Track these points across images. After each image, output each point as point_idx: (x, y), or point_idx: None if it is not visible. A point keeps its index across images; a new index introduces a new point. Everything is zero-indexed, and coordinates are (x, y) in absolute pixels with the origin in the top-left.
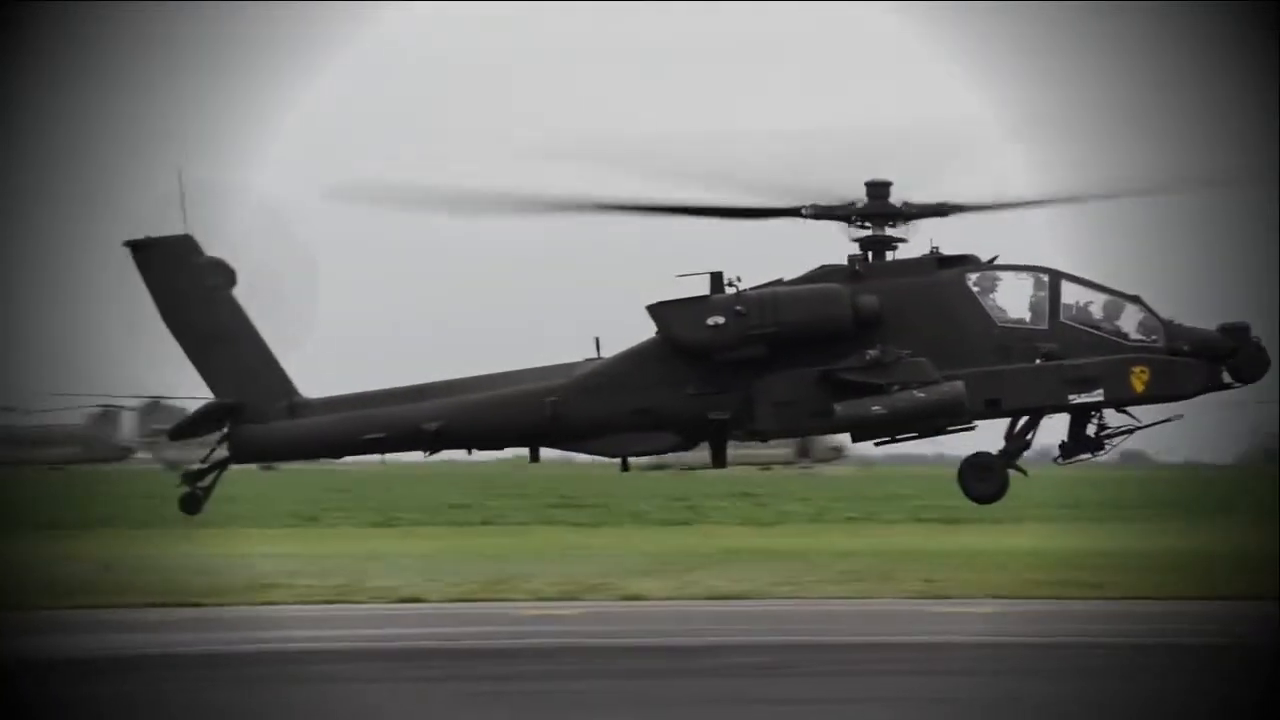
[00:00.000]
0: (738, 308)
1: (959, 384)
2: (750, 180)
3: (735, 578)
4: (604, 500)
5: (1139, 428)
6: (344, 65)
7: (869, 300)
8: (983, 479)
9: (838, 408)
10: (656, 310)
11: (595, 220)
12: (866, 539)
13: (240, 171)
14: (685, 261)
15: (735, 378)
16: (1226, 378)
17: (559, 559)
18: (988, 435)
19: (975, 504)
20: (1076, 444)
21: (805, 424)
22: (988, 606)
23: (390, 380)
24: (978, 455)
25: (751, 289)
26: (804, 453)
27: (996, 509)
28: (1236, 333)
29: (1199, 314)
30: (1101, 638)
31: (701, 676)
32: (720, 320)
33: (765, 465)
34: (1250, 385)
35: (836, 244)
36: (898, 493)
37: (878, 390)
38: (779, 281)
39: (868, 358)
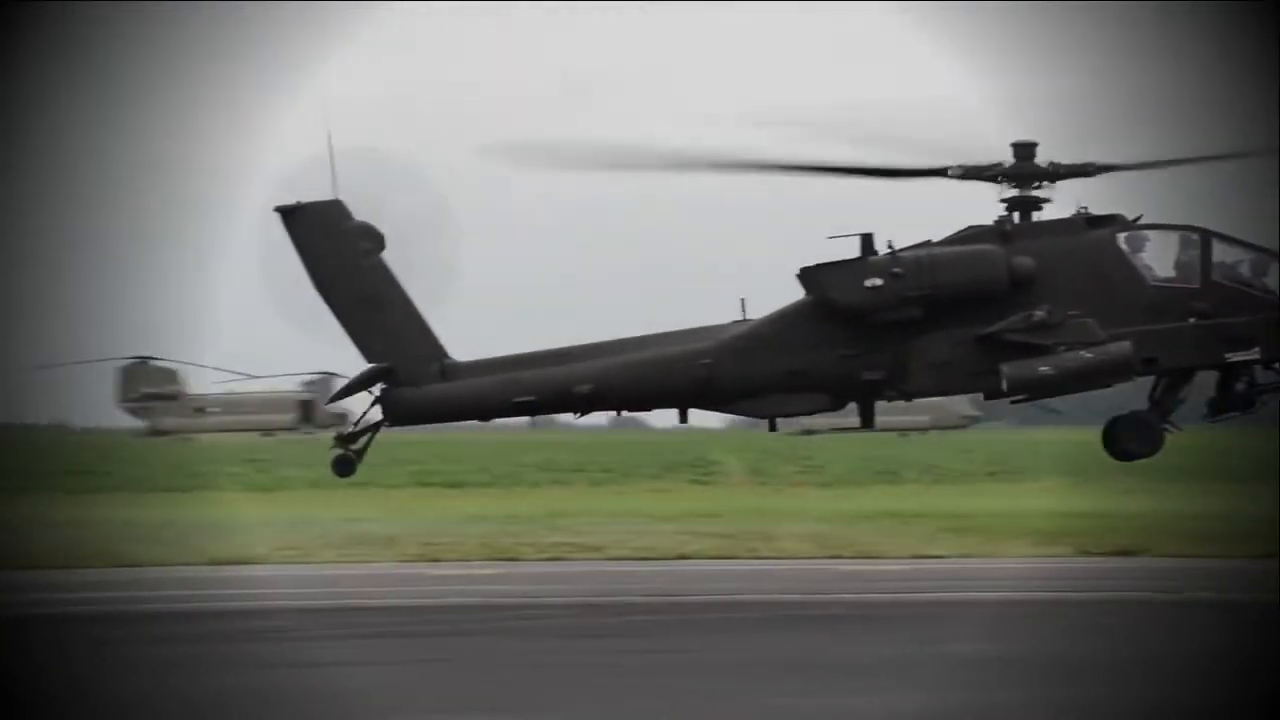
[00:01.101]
0: (895, 270)
1: (1126, 344)
2: (896, 141)
3: None
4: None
5: None
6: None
7: (1024, 261)
8: (1141, 437)
9: (1005, 368)
10: (811, 273)
11: (745, 179)
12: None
13: (382, 138)
14: (823, 224)
15: (888, 339)
16: None
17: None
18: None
19: (1128, 461)
20: (1226, 401)
21: (963, 384)
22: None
23: (530, 344)
24: (1135, 414)
25: (905, 250)
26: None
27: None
28: None
29: None
30: None
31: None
32: (878, 282)
33: (903, 432)
34: None
35: (973, 205)
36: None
37: (1044, 351)
38: (928, 243)
39: (1035, 318)
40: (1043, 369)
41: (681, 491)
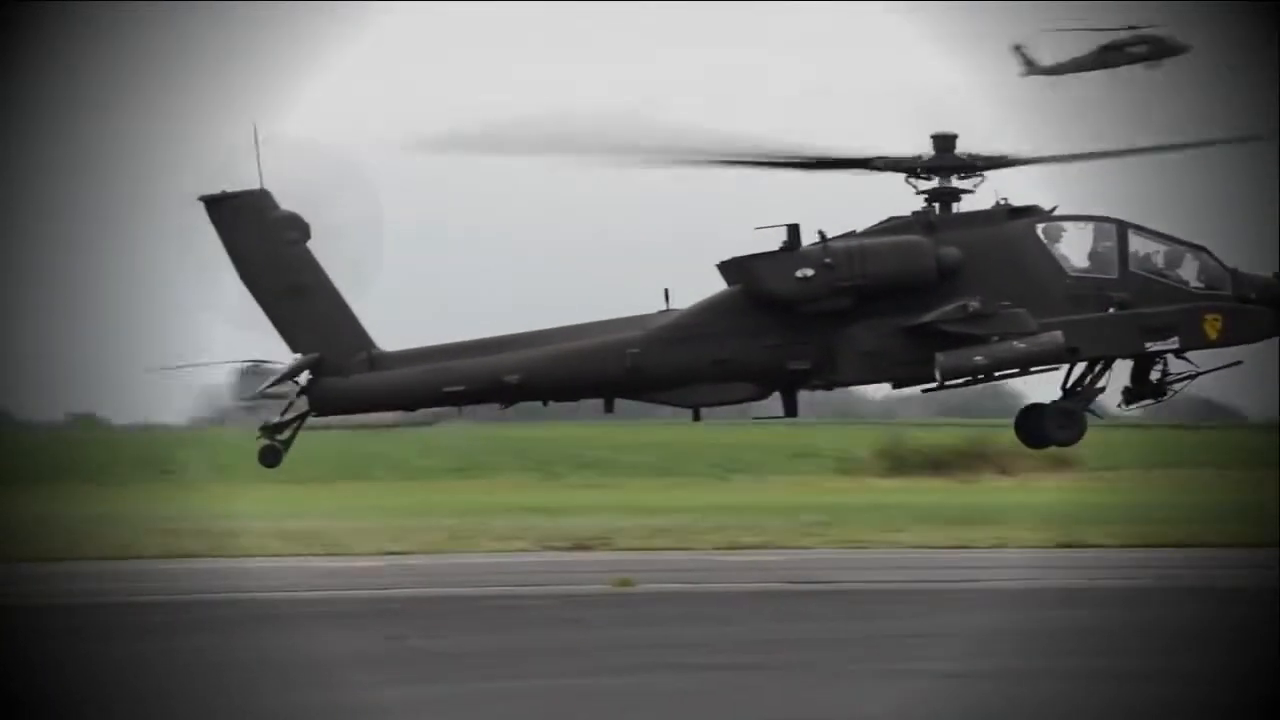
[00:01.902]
0: (826, 260)
1: (1057, 334)
2: (820, 136)
3: None
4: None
5: (1200, 374)
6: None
7: (951, 252)
8: (1065, 425)
9: (940, 357)
10: (741, 263)
11: (672, 171)
12: None
13: (306, 125)
14: (740, 216)
15: (815, 329)
16: None
17: None
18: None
19: (1043, 449)
20: (1140, 390)
21: (890, 373)
22: None
23: (454, 334)
24: (1056, 404)
25: (834, 240)
26: None
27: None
28: None
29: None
30: None
31: None
32: (810, 273)
33: None
34: None
35: (882, 196)
36: None
37: (978, 340)
38: (852, 233)
39: (970, 309)
40: (977, 358)
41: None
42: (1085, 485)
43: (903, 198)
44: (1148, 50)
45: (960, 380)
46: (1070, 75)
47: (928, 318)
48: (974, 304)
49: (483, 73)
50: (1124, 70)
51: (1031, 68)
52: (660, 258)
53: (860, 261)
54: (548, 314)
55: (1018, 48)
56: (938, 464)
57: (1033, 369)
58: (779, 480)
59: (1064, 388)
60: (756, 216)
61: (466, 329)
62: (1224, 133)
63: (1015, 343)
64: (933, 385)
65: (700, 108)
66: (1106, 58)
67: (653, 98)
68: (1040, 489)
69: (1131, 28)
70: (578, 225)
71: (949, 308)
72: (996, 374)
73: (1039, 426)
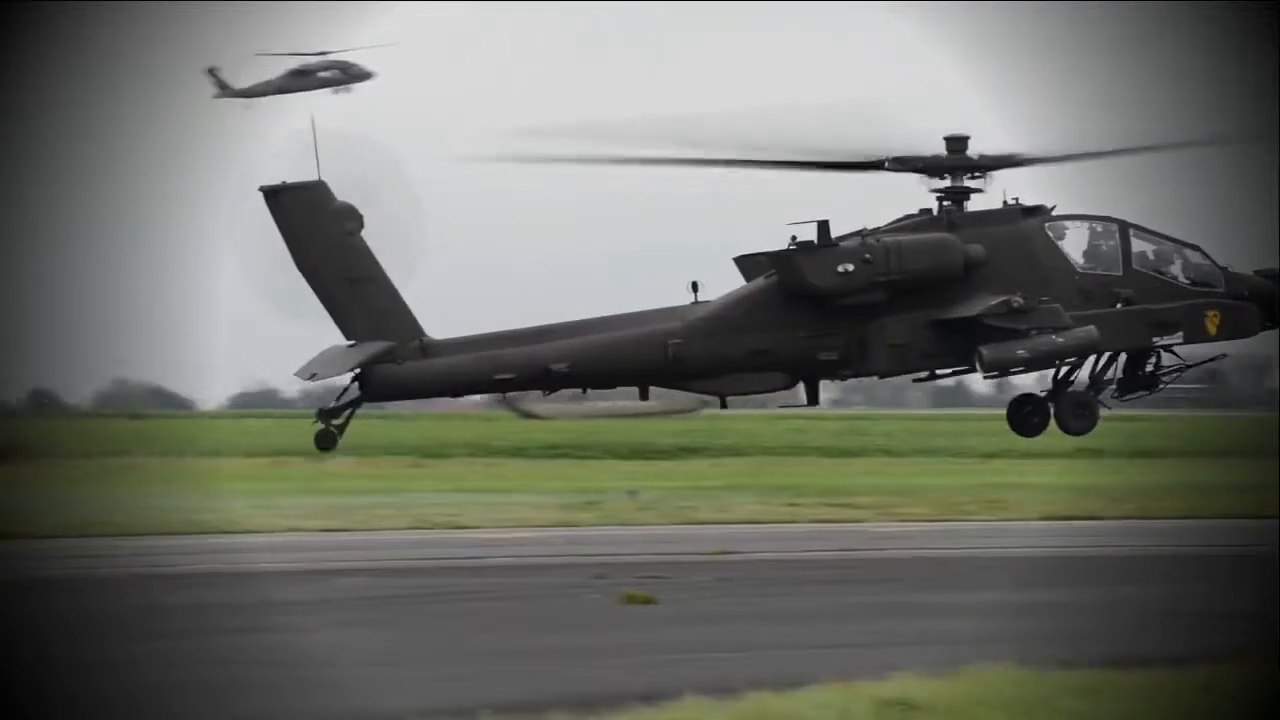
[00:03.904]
0: (865, 256)
1: (1091, 328)
2: (834, 139)
3: None
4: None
5: (1189, 367)
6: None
7: (976, 249)
8: (1081, 416)
9: (984, 351)
10: (781, 257)
11: (695, 172)
12: None
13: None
14: (753, 215)
15: (847, 321)
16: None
17: None
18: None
19: (1030, 438)
20: (1134, 383)
21: (918, 363)
22: None
23: (485, 324)
24: (1073, 393)
25: (863, 237)
26: None
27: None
28: (1275, 278)
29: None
30: None
31: None
32: (850, 267)
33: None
34: None
35: (888, 196)
36: None
37: (1018, 335)
38: (861, 231)
39: (1013, 305)
40: (1019, 351)
41: None
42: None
43: (896, 196)
44: (335, 75)
45: (1004, 373)
46: (263, 98)
47: (973, 312)
48: (1016, 299)
49: (503, 77)
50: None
51: (224, 90)
52: (660, 256)
53: (897, 257)
54: (565, 309)
55: (211, 70)
56: None
57: (1066, 362)
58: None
59: (1055, 380)
60: (755, 216)
61: (484, 322)
62: (1223, 132)
63: (1054, 336)
64: (939, 374)
65: (716, 108)
66: (296, 81)
67: (669, 99)
68: None
69: (322, 53)
70: (579, 224)
71: (993, 303)
72: (1038, 368)
73: (1034, 415)
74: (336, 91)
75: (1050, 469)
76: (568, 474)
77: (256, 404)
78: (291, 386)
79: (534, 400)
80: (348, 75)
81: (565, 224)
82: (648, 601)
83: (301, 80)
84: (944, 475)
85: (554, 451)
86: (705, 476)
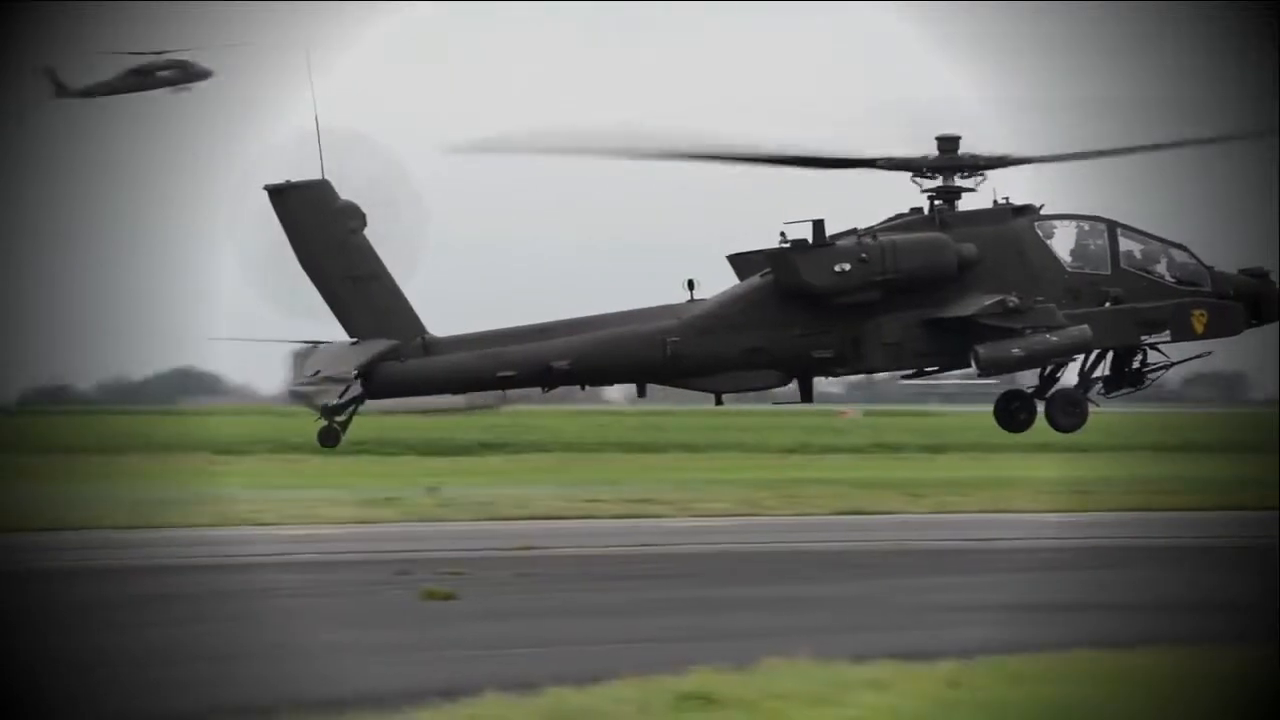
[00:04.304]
0: (861, 255)
1: (1085, 327)
2: (830, 136)
3: None
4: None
5: (1174, 364)
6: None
7: (969, 248)
8: (1070, 413)
9: (980, 350)
10: (777, 256)
11: (689, 167)
12: None
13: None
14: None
15: (842, 319)
16: None
17: None
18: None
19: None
20: (1120, 380)
21: (911, 361)
22: None
23: (476, 322)
24: (1063, 390)
25: (856, 236)
26: None
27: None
28: (1258, 277)
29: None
30: None
31: None
32: (847, 266)
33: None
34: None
35: (869, 194)
36: None
37: (1013, 334)
38: (853, 231)
39: (1009, 305)
40: (1015, 350)
41: None
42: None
43: (879, 195)
44: (174, 75)
45: (1001, 372)
46: (103, 98)
47: (968, 311)
48: (1012, 299)
49: (497, 75)
50: None
51: (61, 90)
52: (649, 253)
53: (893, 256)
54: (561, 305)
55: (47, 70)
56: None
57: (1064, 361)
58: None
59: (1041, 377)
60: (745, 213)
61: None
62: (1221, 131)
63: (1049, 336)
64: (927, 371)
65: (709, 108)
66: (135, 81)
67: (665, 99)
68: None
69: (160, 52)
70: (579, 223)
71: (989, 302)
72: (1033, 366)
73: (1020, 412)
74: (176, 90)
75: (842, 464)
76: (368, 470)
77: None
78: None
79: (333, 395)
80: (187, 75)
81: (555, 220)
82: (448, 598)
83: (140, 80)
84: (743, 470)
85: (356, 448)
86: (507, 472)
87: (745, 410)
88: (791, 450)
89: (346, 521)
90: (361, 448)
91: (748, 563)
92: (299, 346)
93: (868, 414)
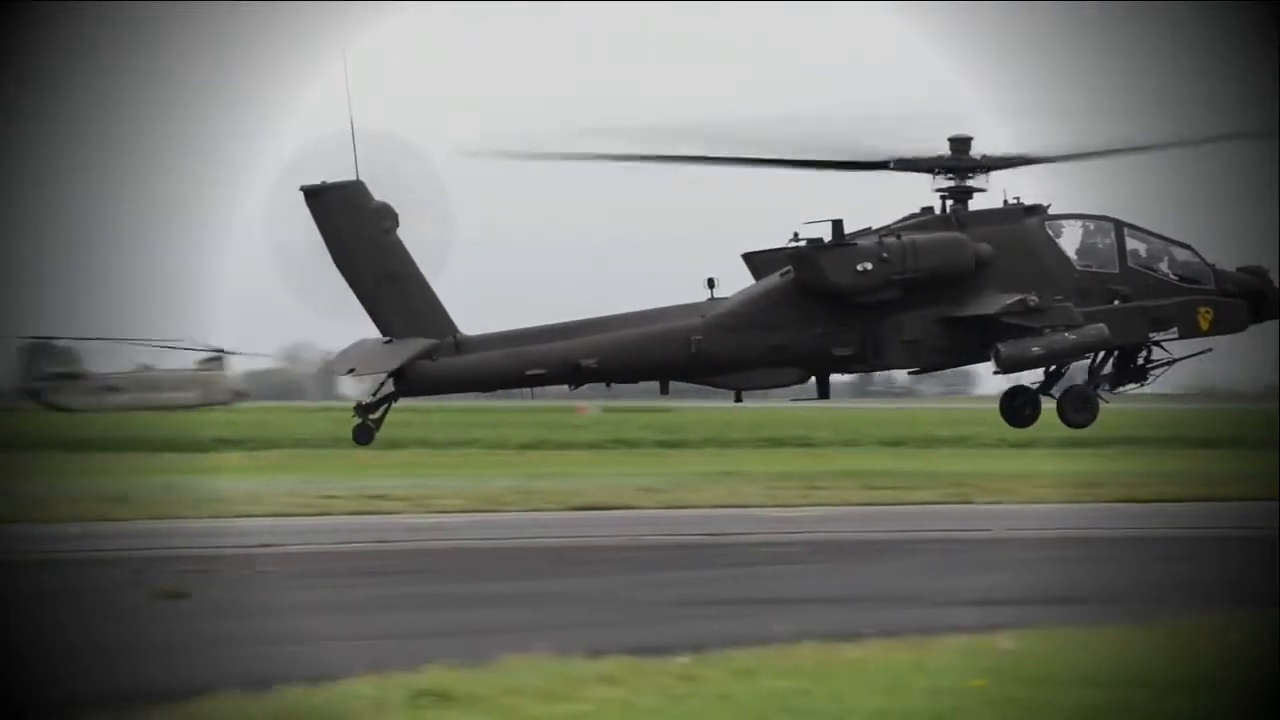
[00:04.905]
0: (883, 255)
1: (1102, 326)
2: (841, 139)
3: None
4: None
5: (1176, 360)
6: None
7: (985, 247)
8: (1081, 409)
9: (1001, 348)
10: (801, 255)
11: (705, 170)
12: None
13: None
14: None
15: (862, 317)
16: None
17: None
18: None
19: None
20: (1123, 376)
21: (929, 358)
22: None
23: (501, 320)
24: (1075, 387)
25: (872, 235)
26: None
27: None
28: (1258, 275)
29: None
30: None
31: None
32: (869, 266)
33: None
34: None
35: (880, 194)
36: None
37: (1033, 332)
38: (867, 230)
39: (1030, 304)
40: (1034, 349)
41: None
42: None
43: (891, 195)
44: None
45: (1020, 370)
46: None
47: (990, 310)
48: (1032, 298)
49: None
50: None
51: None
52: (666, 252)
53: (913, 255)
54: (578, 306)
55: None
56: None
57: (1077, 359)
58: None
59: (1047, 373)
60: (757, 214)
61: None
62: (1222, 131)
63: (1067, 334)
64: (935, 367)
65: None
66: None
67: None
68: None
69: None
70: (578, 223)
71: (1010, 301)
72: (1052, 364)
73: (1026, 408)
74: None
75: (581, 460)
76: (102, 467)
77: None
78: None
79: (71, 392)
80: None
81: (554, 221)
82: (182, 596)
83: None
84: (481, 468)
85: (87, 444)
86: (243, 469)
87: (484, 408)
88: (528, 446)
89: (81, 519)
90: (93, 444)
91: (484, 559)
92: (25, 342)
93: (607, 410)
